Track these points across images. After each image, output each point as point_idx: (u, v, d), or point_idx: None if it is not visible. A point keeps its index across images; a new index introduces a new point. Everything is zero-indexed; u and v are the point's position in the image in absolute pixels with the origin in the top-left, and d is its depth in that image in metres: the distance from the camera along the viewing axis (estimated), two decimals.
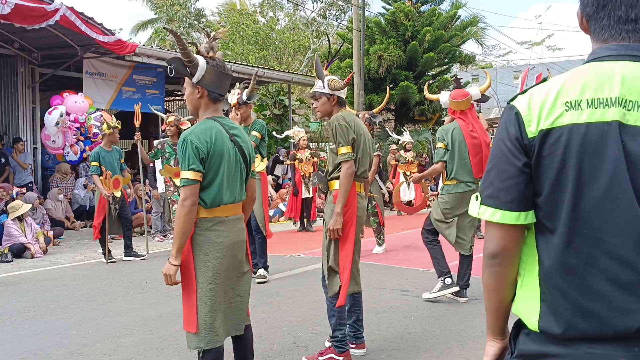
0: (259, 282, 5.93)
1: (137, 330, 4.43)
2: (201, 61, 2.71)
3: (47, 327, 4.58)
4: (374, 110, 7.26)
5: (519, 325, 1.35)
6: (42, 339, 4.26)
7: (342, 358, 3.59)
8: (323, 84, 3.75)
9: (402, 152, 12.88)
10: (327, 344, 3.82)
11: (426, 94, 5.92)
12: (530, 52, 37.23)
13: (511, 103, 1.32)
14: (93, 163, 7.41)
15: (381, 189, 8.19)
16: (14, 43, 10.52)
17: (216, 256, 2.69)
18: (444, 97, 5.37)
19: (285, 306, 5.11)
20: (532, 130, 1.24)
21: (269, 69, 16.70)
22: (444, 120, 14.25)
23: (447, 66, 19.30)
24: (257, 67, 16.22)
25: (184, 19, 26.04)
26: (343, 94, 3.80)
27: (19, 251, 7.99)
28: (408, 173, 12.57)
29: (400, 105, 17.87)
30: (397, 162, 12.92)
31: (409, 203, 12.67)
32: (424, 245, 5.30)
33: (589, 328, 1.19)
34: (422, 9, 18.66)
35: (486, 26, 22.86)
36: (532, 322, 1.26)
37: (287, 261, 7.43)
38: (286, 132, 11.73)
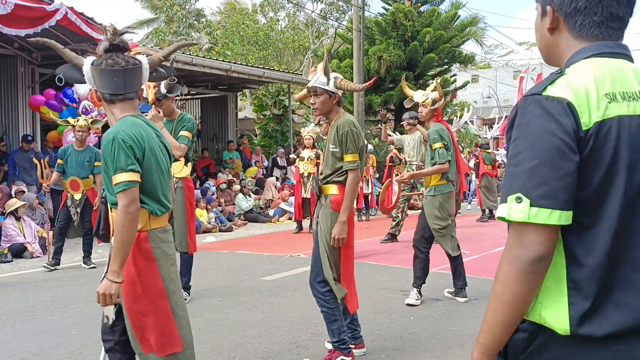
0: None
1: None
2: (86, 64, 2.48)
3: (47, 327, 4.58)
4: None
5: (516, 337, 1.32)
6: (42, 339, 4.26)
7: (350, 358, 3.59)
8: (328, 80, 3.56)
9: (396, 152, 12.87)
10: (328, 346, 3.82)
11: (404, 87, 5.72)
12: (530, 52, 37.24)
13: (547, 94, 1.21)
14: (58, 160, 7.07)
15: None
16: (14, 43, 10.52)
17: (173, 270, 2.53)
18: (418, 96, 5.24)
19: (285, 306, 5.11)
20: (585, 122, 1.18)
21: (269, 69, 16.70)
22: (452, 119, 14.21)
23: (447, 66, 19.30)
24: (257, 67, 16.21)
25: (184, 19, 26.05)
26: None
27: (19, 251, 7.99)
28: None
29: (400, 106, 17.86)
30: (392, 164, 12.91)
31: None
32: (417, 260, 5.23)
33: (625, 323, 1.18)
34: (421, 9, 18.66)
35: (486, 26, 22.89)
36: (564, 326, 1.21)
37: (287, 261, 7.43)
38: (307, 130, 11.55)
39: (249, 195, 12.79)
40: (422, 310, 4.91)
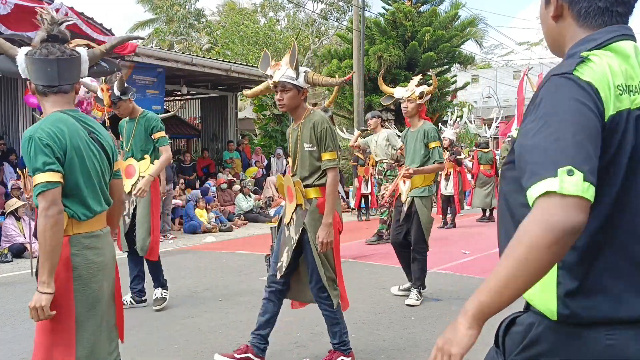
0: (157, 309, 4.98)
1: (137, 330, 4.43)
2: (20, 54, 2.35)
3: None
4: (325, 104, 7.11)
5: (513, 323, 1.34)
6: None
7: (350, 358, 3.59)
8: (297, 74, 3.37)
9: (400, 151, 12.89)
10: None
11: (380, 84, 5.58)
12: (530, 52, 37.27)
13: (579, 75, 1.18)
14: None
15: (340, 190, 7.83)
16: (14, 43, 10.51)
17: (97, 279, 2.28)
18: (399, 93, 5.15)
19: (285, 306, 5.10)
20: (607, 115, 1.18)
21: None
22: (455, 119, 14.23)
23: (446, 66, 19.31)
24: (257, 67, 16.20)
25: (184, 19, 26.05)
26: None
27: (19, 251, 7.99)
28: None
29: (400, 106, 17.87)
30: (396, 163, 12.90)
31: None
32: (417, 262, 5.16)
33: (612, 312, 1.18)
34: (421, 9, 18.66)
35: (486, 27, 22.89)
36: (550, 307, 1.22)
37: None
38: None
39: (249, 195, 12.79)
40: (422, 310, 4.91)
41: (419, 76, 5.28)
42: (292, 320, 4.63)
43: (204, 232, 10.65)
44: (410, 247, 5.08)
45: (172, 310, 5.01)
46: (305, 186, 3.47)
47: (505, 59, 37.81)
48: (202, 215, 11.02)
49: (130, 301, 5.12)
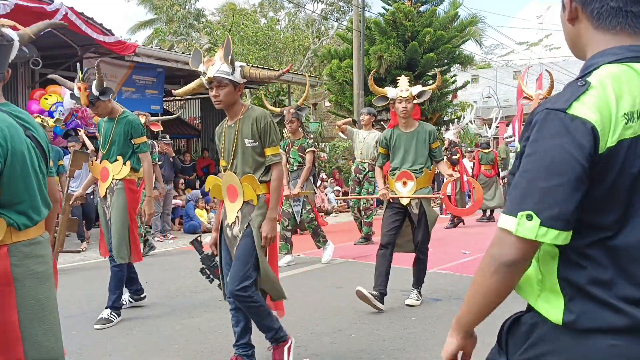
0: (96, 327, 4.52)
1: (137, 330, 4.43)
2: None
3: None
4: (299, 102, 7.12)
5: (515, 326, 1.35)
6: None
7: (289, 341, 3.56)
8: (233, 69, 3.25)
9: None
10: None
11: (371, 85, 5.46)
12: (530, 52, 37.27)
13: (572, 112, 1.18)
14: None
15: (314, 190, 7.46)
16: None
17: (42, 290, 2.05)
18: (391, 92, 5.00)
19: (285, 306, 5.11)
20: (602, 146, 1.17)
21: (269, 69, 16.69)
22: (452, 120, 14.23)
23: (446, 67, 19.32)
24: (257, 67, 16.20)
25: (184, 19, 26.04)
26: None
27: None
28: None
29: None
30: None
31: None
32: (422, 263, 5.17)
33: (618, 322, 1.19)
34: (421, 9, 18.67)
35: (485, 26, 22.91)
36: (557, 316, 1.24)
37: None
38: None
39: None
40: (422, 310, 4.91)
41: (437, 71, 5.44)
42: (292, 320, 4.63)
43: (204, 232, 10.64)
44: (392, 255, 4.96)
45: (172, 310, 5.01)
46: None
47: (505, 59, 37.83)
48: (202, 215, 11.02)
49: (129, 300, 5.07)
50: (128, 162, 4.69)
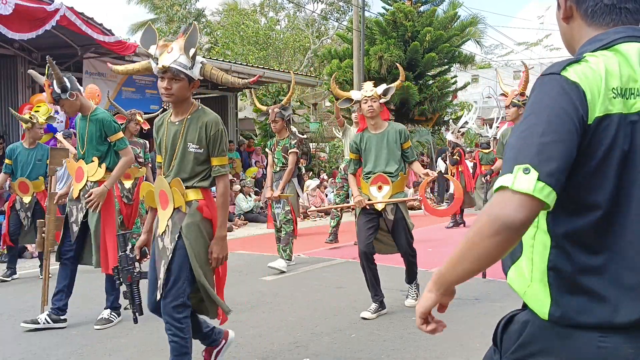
0: (96, 328, 4.53)
1: (137, 330, 4.43)
2: None
3: (47, 327, 4.58)
4: (283, 102, 6.91)
5: (512, 320, 1.35)
6: (42, 339, 4.26)
7: (224, 340, 3.53)
8: (192, 64, 2.97)
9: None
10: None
11: (333, 88, 5.30)
12: (530, 52, 37.28)
13: (566, 75, 1.19)
14: (6, 160, 6.41)
15: (298, 193, 6.97)
16: (14, 43, 10.53)
17: None
18: (356, 95, 4.88)
19: (285, 306, 5.11)
20: (591, 117, 1.18)
21: (269, 69, 16.70)
22: (449, 120, 14.26)
23: (447, 66, 19.32)
24: (257, 67, 16.22)
25: (184, 19, 26.05)
26: None
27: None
28: None
29: (400, 106, 17.87)
30: None
31: None
32: (409, 257, 5.02)
33: (606, 317, 1.18)
34: (421, 9, 18.68)
35: (485, 27, 22.90)
36: (543, 309, 1.24)
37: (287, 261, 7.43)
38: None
39: (249, 195, 12.80)
40: None
41: (399, 65, 5.20)
42: (292, 320, 4.63)
43: None
44: (374, 262, 4.84)
45: None
46: (187, 187, 3.06)
47: (505, 59, 37.83)
48: None
49: (45, 320, 4.48)
50: (104, 164, 4.50)
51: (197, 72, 3.01)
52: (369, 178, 4.79)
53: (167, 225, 3.04)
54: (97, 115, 4.50)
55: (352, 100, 4.91)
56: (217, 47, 25.11)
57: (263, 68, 16.30)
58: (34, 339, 4.25)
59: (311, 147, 19.07)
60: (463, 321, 4.54)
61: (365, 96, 4.69)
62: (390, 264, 7.00)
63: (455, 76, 20.32)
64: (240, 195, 12.63)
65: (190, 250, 2.97)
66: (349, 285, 5.83)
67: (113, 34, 9.99)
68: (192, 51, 2.97)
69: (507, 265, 1.33)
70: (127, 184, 7.28)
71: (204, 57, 15.97)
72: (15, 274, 6.62)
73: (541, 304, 1.24)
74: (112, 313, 4.63)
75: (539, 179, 1.13)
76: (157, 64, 2.97)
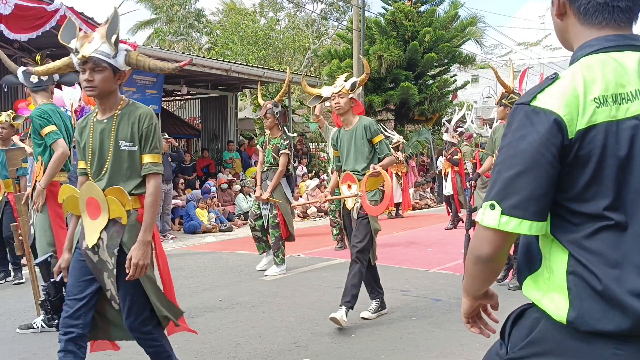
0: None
1: None
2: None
3: (43, 331, 4.58)
4: (276, 98, 6.64)
5: (520, 319, 1.35)
6: (42, 339, 4.26)
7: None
8: (115, 52, 2.65)
9: (392, 151, 12.87)
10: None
11: (304, 86, 5.16)
12: (530, 52, 37.30)
13: (535, 105, 1.22)
14: None
15: (286, 195, 6.59)
16: (14, 43, 10.53)
17: None
18: (326, 91, 4.71)
19: (285, 306, 5.12)
20: (572, 131, 1.19)
21: (269, 69, 16.70)
22: (447, 121, 14.30)
23: (446, 66, 19.32)
24: (257, 67, 16.23)
25: (184, 19, 26.06)
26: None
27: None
28: (400, 174, 12.59)
29: (400, 106, 17.88)
30: None
31: (397, 205, 12.70)
32: (357, 270, 4.54)
33: (623, 325, 1.18)
34: (421, 9, 18.68)
35: (485, 26, 22.90)
36: (561, 313, 1.23)
37: (287, 261, 7.43)
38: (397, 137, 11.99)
39: (249, 195, 12.79)
40: (422, 310, 4.91)
41: (346, 74, 5.01)
42: (292, 320, 4.63)
43: (204, 232, 10.66)
44: (367, 261, 4.60)
45: None
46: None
47: (505, 59, 37.84)
48: (202, 215, 11.02)
49: (41, 325, 4.40)
50: (43, 163, 4.32)
51: (122, 61, 2.68)
52: (341, 176, 4.69)
53: (100, 238, 2.71)
54: (33, 112, 4.38)
55: (322, 97, 4.77)
56: (217, 47, 25.12)
57: (263, 68, 16.29)
58: (34, 339, 4.25)
59: (311, 147, 19.09)
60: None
61: (333, 93, 4.55)
62: (390, 264, 7.01)
63: (455, 75, 20.32)
64: (240, 195, 12.64)
65: (127, 264, 2.66)
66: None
67: None
68: (114, 38, 2.65)
69: (523, 276, 1.35)
70: None
71: (204, 57, 15.94)
72: (9, 275, 6.42)
73: (559, 308, 1.24)
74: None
75: (502, 214, 1.21)
76: (77, 55, 2.67)
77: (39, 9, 8.51)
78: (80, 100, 8.11)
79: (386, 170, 4.61)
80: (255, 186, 6.73)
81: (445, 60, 18.70)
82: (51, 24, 8.65)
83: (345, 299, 4.38)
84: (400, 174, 12.56)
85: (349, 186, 4.58)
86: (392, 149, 13.06)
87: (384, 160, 4.56)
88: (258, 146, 6.77)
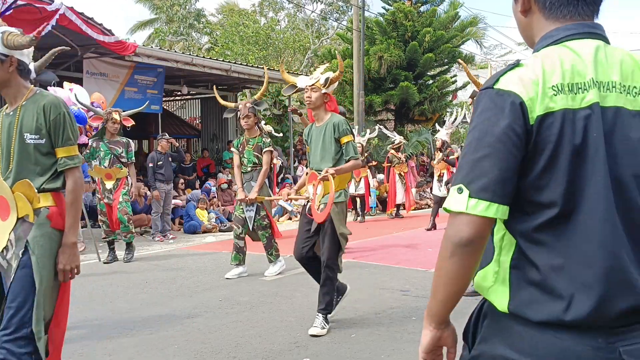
0: None
1: (137, 330, 4.44)
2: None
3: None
4: (256, 97, 6.32)
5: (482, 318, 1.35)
6: None
7: None
8: None
9: (394, 152, 12.86)
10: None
11: (282, 72, 5.08)
12: (530, 52, 37.26)
13: (499, 87, 1.22)
14: None
15: (270, 194, 6.48)
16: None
17: None
18: (302, 82, 4.51)
19: (285, 306, 5.12)
20: (532, 117, 1.19)
21: (269, 69, 16.71)
22: (444, 121, 14.32)
23: (446, 66, 19.33)
24: (257, 67, 16.23)
25: (184, 19, 26.06)
26: (27, 58, 2.57)
27: None
28: (402, 174, 12.59)
29: (400, 106, 17.88)
30: (390, 164, 12.91)
31: (398, 206, 12.71)
32: (328, 277, 4.29)
33: (560, 314, 1.18)
34: (421, 9, 18.69)
35: (485, 26, 22.93)
36: (503, 303, 1.25)
37: (287, 261, 7.42)
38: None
39: None
40: (422, 310, 4.88)
41: (326, 65, 4.86)
42: (292, 320, 4.63)
43: (204, 232, 10.66)
44: (318, 258, 4.34)
45: (172, 310, 5.01)
46: (40, 191, 2.53)
47: (505, 59, 37.83)
48: (202, 216, 11.03)
49: None
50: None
51: (1, 45, 2.45)
52: (308, 175, 4.41)
53: (8, 239, 2.49)
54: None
55: (296, 87, 4.56)
56: (217, 47, 25.12)
57: (263, 68, 16.31)
58: None
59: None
60: (463, 321, 4.54)
61: (307, 85, 4.31)
62: (390, 264, 7.02)
63: (455, 76, 20.34)
64: None
65: (36, 268, 2.42)
66: (349, 285, 5.84)
67: (113, 34, 9.99)
68: None
69: (476, 271, 1.33)
70: (109, 184, 7.22)
71: (204, 57, 15.93)
72: None
73: (502, 299, 1.25)
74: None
75: (470, 197, 1.19)
76: None
77: (39, 9, 8.51)
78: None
79: (358, 173, 4.41)
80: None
81: (445, 61, 18.71)
82: (51, 23, 8.64)
83: (320, 307, 4.28)
84: (402, 174, 12.56)
85: (315, 186, 4.31)
86: (392, 150, 13.06)
87: (348, 163, 4.27)
88: (234, 149, 6.45)
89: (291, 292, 5.62)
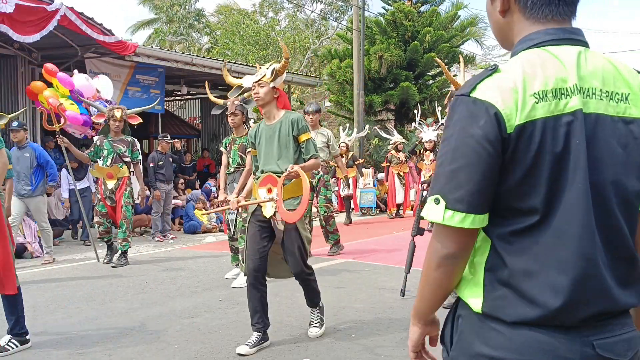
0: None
1: (137, 330, 4.44)
2: None
3: (47, 327, 4.58)
4: (245, 95, 5.56)
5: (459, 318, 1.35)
6: (42, 339, 4.26)
7: None
8: None
9: (393, 152, 12.86)
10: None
11: (225, 75, 5.01)
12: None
13: (475, 96, 1.19)
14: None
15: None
16: (14, 43, 10.54)
17: None
18: (248, 81, 4.25)
19: (285, 306, 5.12)
20: (511, 125, 1.17)
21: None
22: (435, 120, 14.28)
23: (447, 66, 19.32)
24: (257, 67, 16.22)
25: (184, 19, 26.06)
26: None
27: (19, 251, 7.99)
28: (402, 174, 12.58)
29: (400, 106, 17.88)
30: (389, 164, 12.91)
31: (398, 206, 12.70)
32: (304, 286, 4.20)
33: (531, 315, 1.19)
34: (421, 9, 18.69)
35: (486, 26, 22.91)
36: (476, 304, 1.26)
37: None
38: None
39: None
40: None
41: (282, 42, 4.80)
42: (292, 320, 4.63)
43: (204, 232, 10.65)
44: (265, 283, 4.05)
45: (172, 310, 5.01)
46: None
47: (505, 58, 37.83)
48: (199, 216, 11.02)
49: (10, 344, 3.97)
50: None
51: None
52: (259, 178, 4.02)
53: None
54: None
55: (243, 87, 4.31)
56: (217, 47, 25.12)
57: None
58: (34, 339, 4.25)
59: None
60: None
61: (254, 82, 4.02)
62: (390, 264, 7.01)
63: (455, 75, 20.31)
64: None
65: None
66: (349, 285, 5.84)
67: (113, 34, 10.00)
68: None
69: None
70: (110, 184, 7.18)
71: (204, 57, 15.92)
72: None
73: (476, 299, 1.26)
74: (13, 340, 3.97)
75: (447, 208, 1.19)
76: None
77: (39, 9, 8.51)
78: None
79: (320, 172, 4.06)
80: (219, 189, 6.26)
81: (445, 60, 18.71)
82: (53, 24, 8.65)
83: (310, 304, 4.27)
84: (402, 174, 12.55)
85: (270, 190, 3.91)
86: (392, 150, 13.01)
87: (309, 162, 3.97)
88: (222, 148, 6.23)
89: (291, 293, 5.62)
